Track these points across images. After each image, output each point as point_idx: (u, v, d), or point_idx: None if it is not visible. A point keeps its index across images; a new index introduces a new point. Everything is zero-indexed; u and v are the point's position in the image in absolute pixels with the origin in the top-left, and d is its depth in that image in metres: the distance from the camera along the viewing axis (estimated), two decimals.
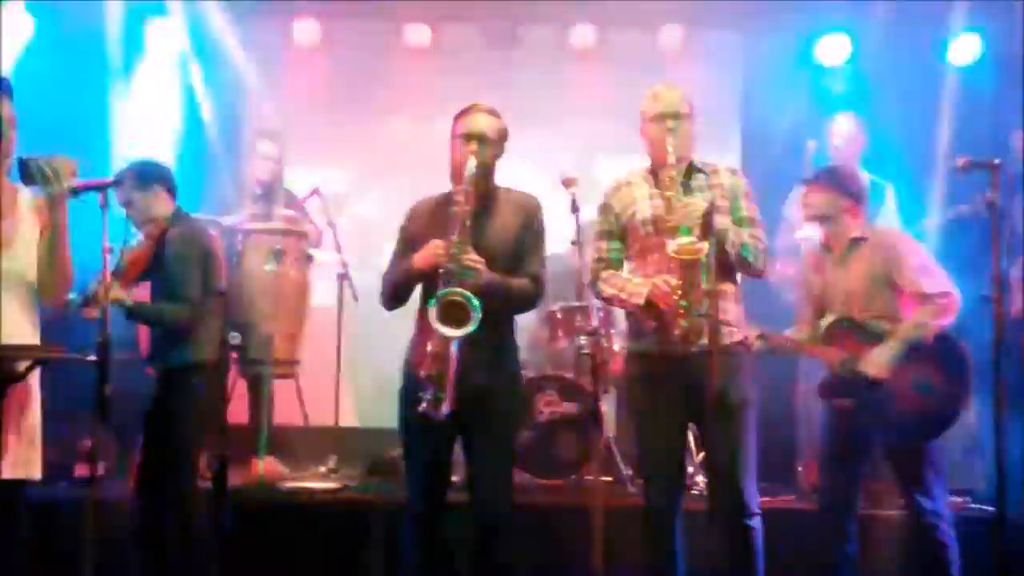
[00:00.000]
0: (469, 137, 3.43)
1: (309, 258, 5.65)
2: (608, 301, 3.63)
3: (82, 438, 4.95)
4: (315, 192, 5.79)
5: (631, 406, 3.74)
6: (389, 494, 4.67)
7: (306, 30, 7.01)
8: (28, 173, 3.08)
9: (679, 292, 3.27)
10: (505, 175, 3.59)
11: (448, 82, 6.50)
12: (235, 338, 4.60)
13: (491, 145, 3.46)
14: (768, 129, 6.44)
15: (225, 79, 6.63)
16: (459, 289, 3.21)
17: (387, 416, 5.88)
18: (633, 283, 3.47)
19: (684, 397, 3.39)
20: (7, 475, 3.08)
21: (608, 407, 5.14)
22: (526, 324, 6.11)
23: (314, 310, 5.66)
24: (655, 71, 6.79)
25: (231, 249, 5.51)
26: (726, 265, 3.41)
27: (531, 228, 3.50)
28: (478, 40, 7.00)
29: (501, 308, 3.39)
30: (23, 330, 3.17)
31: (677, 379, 3.38)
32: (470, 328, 3.17)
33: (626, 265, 3.60)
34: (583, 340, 5.16)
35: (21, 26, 6.09)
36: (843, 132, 5.33)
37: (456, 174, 3.45)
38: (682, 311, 3.24)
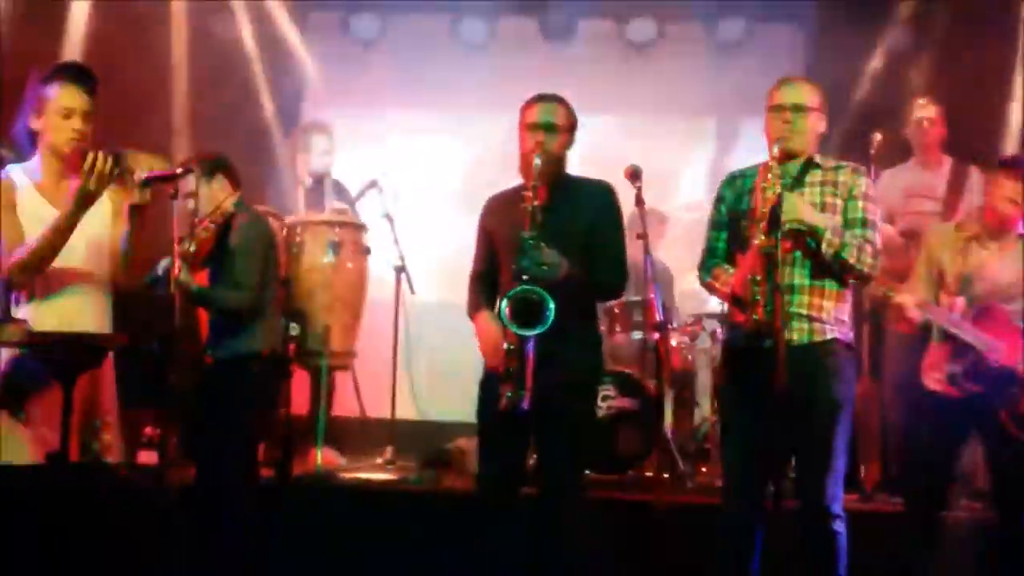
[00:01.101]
0: (535, 127, 3.40)
1: (366, 250, 5.67)
2: (709, 290, 3.60)
3: (143, 425, 5.04)
4: (373, 185, 5.80)
5: (719, 397, 3.70)
6: (445, 486, 4.69)
7: (364, 24, 7.05)
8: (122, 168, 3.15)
9: (755, 286, 3.20)
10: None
11: (505, 76, 6.50)
12: (293, 329, 4.65)
13: (560, 134, 3.43)
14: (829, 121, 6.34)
15: (284, 72, 6.69)
16: (534, 287, 3.20)
17: (443, 409, 5.96)
18: (727, 274, 3.41)
19: (769, 392, 3.23)
20: (86, 459, 3.14)
21: (666, 402, 5.09)
22: None
23: (371, 302, 5.68)
24: (714, 65, 6.78)
25: (289, 240, 5.56)
26: (823, 263, 3.32)
27: (607, 214, 3.47)
28: (536, 34, 6.97)
29: (583, 299, 3.38)
30: (97, 319, 3.23)
31: (762, 374, 3.23)
32: (542, 328, 3.16)
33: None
34: (643, 335, 5.15)
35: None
36: (929, 114, 5.19)
37: (524, 166, 3.43)
38: (759, 305, 3.18)
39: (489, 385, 3.40)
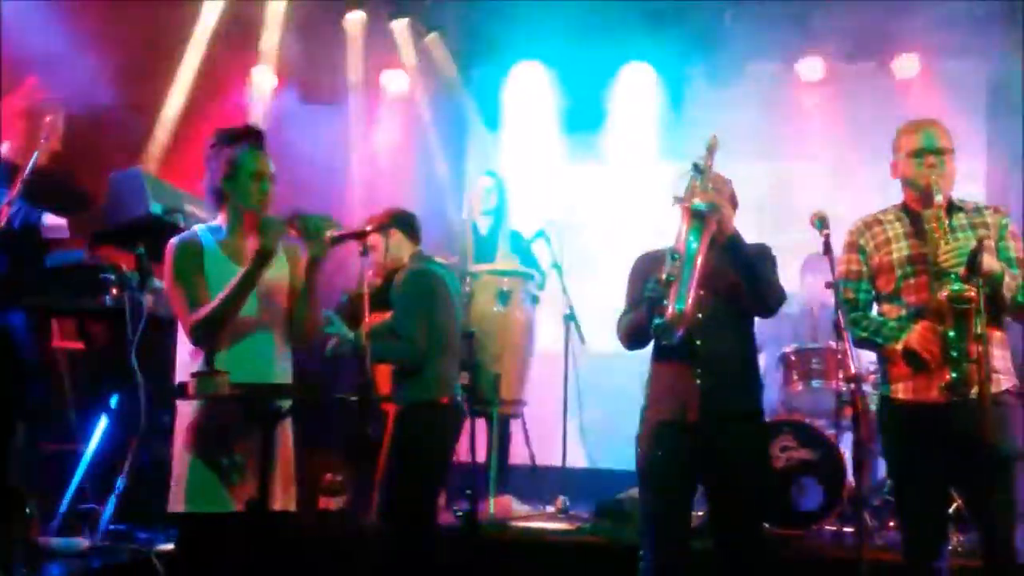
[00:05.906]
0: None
1: (535, 299, 5.70)
2: (862, 345, 3.43)
3: (323, 472, 5.20)
4: (540, 235, 5.85)
5: (887, 457, 3.54)
6: (620, 537, 4.63)
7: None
8: (303, 228, 3.24)
9: (948, 341, 3.08)
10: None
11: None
12: (463, 377, 4.70)
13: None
14: (1017, 161, 6.05)
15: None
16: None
17: (614, 458, 5.90)
18: (889, 327, 3.30)
19: (946, 450, 3.16)
20: (276, 507, 3.22)
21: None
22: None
23: (540, 351, 5.70)
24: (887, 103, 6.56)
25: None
26: (992, 309, 3.18)
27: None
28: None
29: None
30: (284, 371, 3.33)
31: (939, 431, 3.16)
32: None
33: (875, 307, 3.43)
34: (822, 383, 4.99)
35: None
36: None
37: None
38: (951, 361, 3.06)
39: (657, 434, 3.34)
